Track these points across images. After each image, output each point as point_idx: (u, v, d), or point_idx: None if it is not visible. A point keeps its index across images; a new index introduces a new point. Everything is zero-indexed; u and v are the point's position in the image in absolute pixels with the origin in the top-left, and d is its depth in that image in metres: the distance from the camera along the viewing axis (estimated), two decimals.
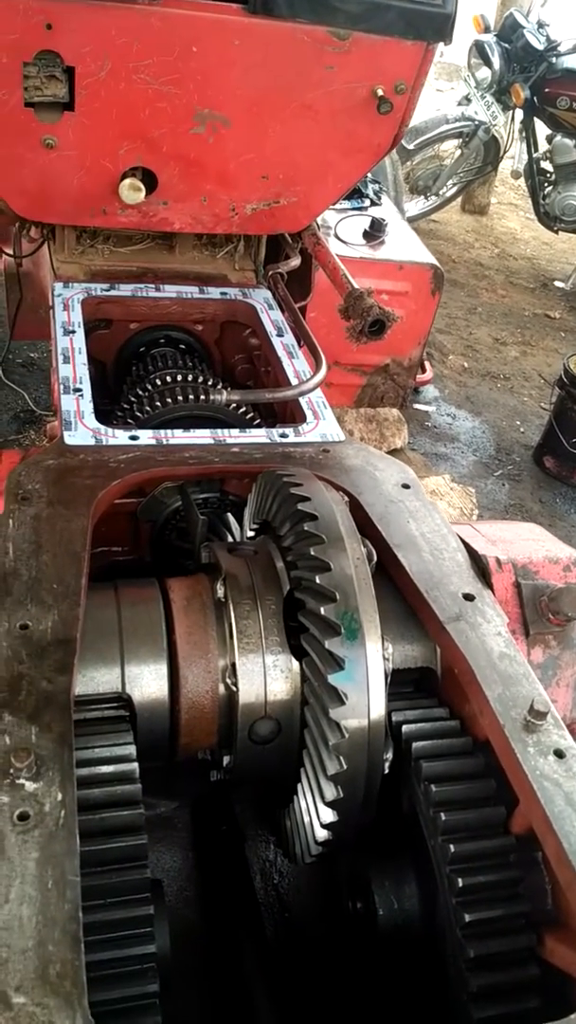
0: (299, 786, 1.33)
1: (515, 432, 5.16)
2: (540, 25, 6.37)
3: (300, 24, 1.67)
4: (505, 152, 6.92)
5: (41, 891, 0.93)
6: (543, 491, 4.66)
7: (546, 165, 6.81)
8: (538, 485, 4.70)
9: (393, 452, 4.17)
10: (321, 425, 1.81)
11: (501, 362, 5.92)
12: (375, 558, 1.36)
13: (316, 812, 1.28)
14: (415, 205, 6.83)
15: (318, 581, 1.26)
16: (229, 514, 1.77)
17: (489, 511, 4.41)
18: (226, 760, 1.37)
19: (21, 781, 1.01)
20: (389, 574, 1.44)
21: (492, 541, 1.51)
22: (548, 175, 6.83)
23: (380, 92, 1.81)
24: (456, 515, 3.94)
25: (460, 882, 1.17)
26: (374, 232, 2.87)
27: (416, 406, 5.04)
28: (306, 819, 1.32)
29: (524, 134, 6.75)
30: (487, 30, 6.50)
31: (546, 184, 6.84)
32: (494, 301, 6.77)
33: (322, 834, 1.29)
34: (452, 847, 1.19)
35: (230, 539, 1.72)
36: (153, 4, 1.61)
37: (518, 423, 5.25)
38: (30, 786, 1.01)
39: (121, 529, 1.79)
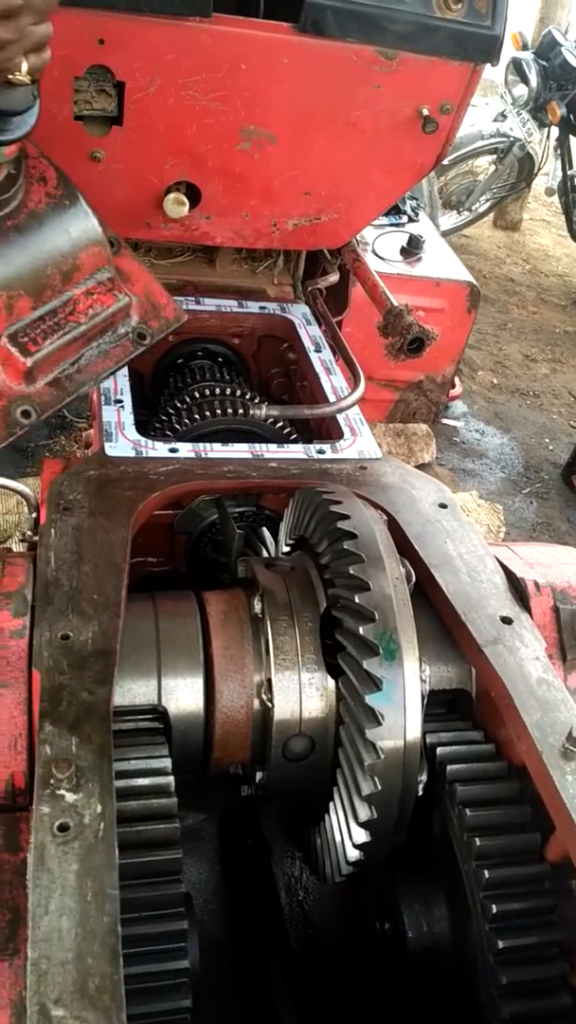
0: (331, 805, 1.33)
1: (544, 450, 5.14)
2: None
3: (349, 43, 1.68)
4: (539, 169, 6.91)
5: (80, 903, 0.93)
6: (571, 510, 4.64)
7: None
8: (566, 504, 4.68)
9: (421, 467, 4.16)
10: (358, 442, 1.81)
11: (531, 379, 5.90)
12: (413, 578, 1.36)
13: (348, 832, 1.28)
14: (447, 220, 6.83)
15: (357, 600, 1.27)
16: (264, 529, 1.77)
17: (516, 529, 4.39)
18: (259, 776, 1.38)
19: (61, 792, 1.02)
20: (426, 594, 1.44)
21: (530, 564, 1.50)
22: None
23: (426, 112, 1.82)
24: (483, 532, 3.93)
25: (494, 908, 1.17)
26: (412, 249, 2.87)
27: (445, 421, 5.03)
28: (337, 838, 1.31)
29: (559, 151, 6.75)
30: (525, 47, 6.50)
31: None
32: (525, 317, 6.75)
33: (353, 854, 1.29)
34: (486, 873, 1.18)
35: (265, 554, 1.72)
36: (204, 21, 1.62)
37: (547, 441, 5.23)
38: (70, 797, 1.02)
39: (158, 540, 1.80)
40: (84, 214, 1.44)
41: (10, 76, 1.15)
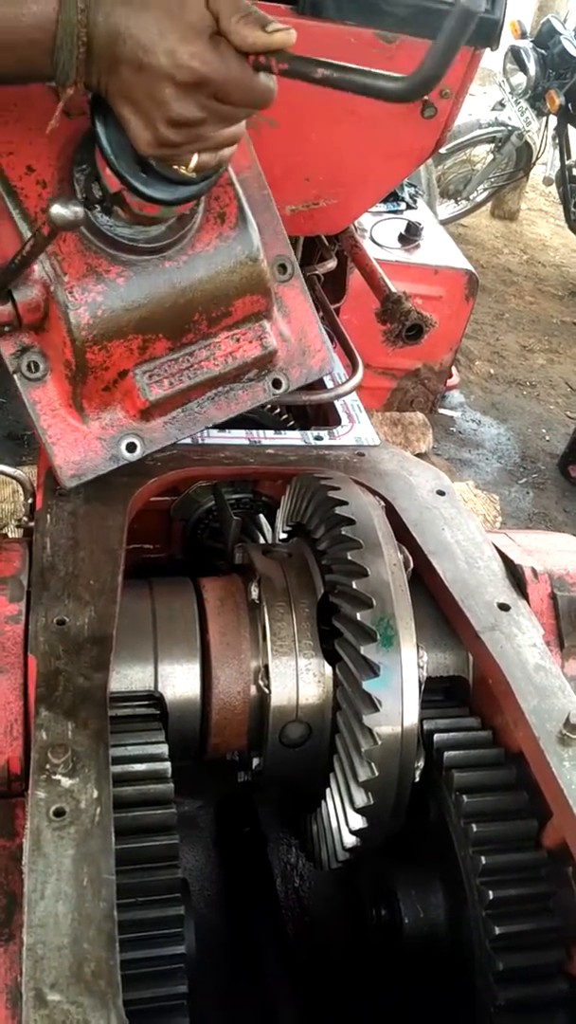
0: (328, 791, 1.32)
1: (540, 440, 5.14)
2: None
3: (348, 26, 1.66)
4: (537, 158, 6.89)
5: (77, 889, 0.93)
6: (568, 500, 4.64)
7: None
8: (563, 494, 4.68)
9: (417, 456, 4.16)
10: (356, 428, 1.80)
11: (528, 369, 5.90)
12: (411, 564, 1.35)
13: (345, 818, 1.28)
14: (445, 209, 6.81)
15: (354, 586, 1.26)
16: (261, 515, 1.77)
17: (512, 519, 4.40)
18: (255, 762, 1.37)
19: (57, 777, 1.01)
20: (423, 581, 1.43)
21: (528, 551, 1.50)
22: None
23: (425, 96, 1.80)
24: (479, 522, 3.93)
25: (490, 894, 1.17)
26: (410, 236, 2.86)
27: (441, 411, 5.02)
28: (334, 824, 1.31)
29: (557, 141, 6.73)
30: (523, 36, 6.48)
31: None
32: (522, 307, 6.74)
33: (350, 840, 1.29)
34: (483, 859, 1.18)
35: (262, 541, 1.72)
36: None
37: (543, 431, 5.23)
38: (66, 782, 1.01)
39: (154, 527, 1.79)
40: (253, 260, 1.36)
41: (175, 167, 1.11)
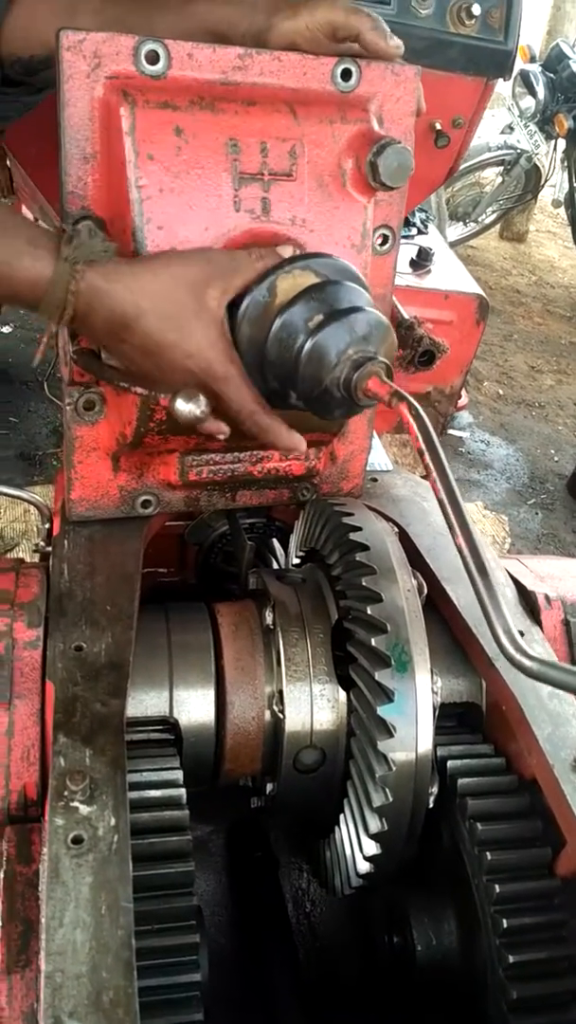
0: (342, 817, 1.33)
1: (549, 461, 5.15)
2: None
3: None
4: (546, 181, 6.95)
5: (95, 916, 0.93)
6: None
7: None
8: (572, 515, 4.69)
9: (426, 477, 4.17)
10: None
11: (536, 390, 5.92)
12: (425, 590, 1.36)
13: (359, 844, 1.28)
14: (453, 231, 6.86)
15: (369, 612, 1.27)
16: (275, 540, 1.78)
17: (521, 540, 4.40)
18: (269, 788, 1.38)
19: (75, 804, 1.02)
20: (437, 607, 1.44)
21: (541, 577, 1.50)
22: None
23: (438, 126, 1.83)
24: (488, 543, 3.93)
25: (504, 923, 1.17)
26: (421, 261, 2.89)
27: (450, 432, 5.05)
28: (348, 851, 1.31)
29: (566, 163, 6.78)
30: (533, 60, 6.55)
31: None
32: (530, 328, 6.78)
33: (364, 867, 1.29)
34: (497, 887, 1.18)
35: (276, 566, 1.73)
36: None
37: (552, 452, 5.24)
38: (84, 809, 1.02)
39: (168, 550, 1.80)
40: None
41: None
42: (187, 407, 1.08)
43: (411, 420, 1.06)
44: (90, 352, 1.18)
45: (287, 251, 1.15)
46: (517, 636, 0.95)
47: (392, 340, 1.14)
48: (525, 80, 6.46)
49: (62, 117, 1.16)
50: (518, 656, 0.94)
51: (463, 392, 5.35)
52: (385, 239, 1.40)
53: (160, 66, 1.16)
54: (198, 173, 1.17)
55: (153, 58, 1.16)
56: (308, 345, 1.09)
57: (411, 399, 1.06)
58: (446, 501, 1.03)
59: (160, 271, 1.09)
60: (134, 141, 1.13)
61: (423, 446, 1.04)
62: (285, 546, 1.74)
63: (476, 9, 1.68)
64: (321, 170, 1.24)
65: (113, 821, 1.01)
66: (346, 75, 1.26)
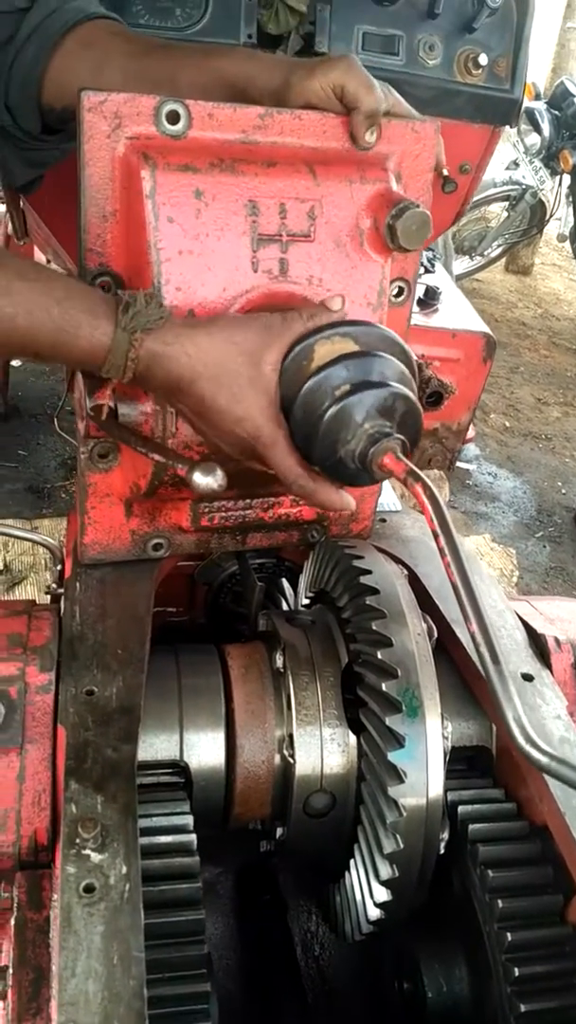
0: (352, 862, 1.32)
1: (556, 493, 5.16)
2: None
3: None
4: (551, 216, 7.01)
5: (107, 966, 0.93)
6: None
7: None
8: None
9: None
10: None
11: (543, 422, 5.94)
12: (435, 634, 1.37)
13: (370, 890, 1.28)
14: (460, 265, 6.92)
15: (379, 656, 1.27)
16: (284, 580, 1.78)
17: (530, 573, 4.40)
18: (279, 832, 1.37)
19: (87, 852, 1.02)
20: (447, 649, 1.44)
21: (550, 620, 1.50)
22: None
23: (445, 172, 1.85)
24: (496, 576, 3.93)
25: (516, 971, 1.16)
26: (428, 300, 2.91)
27: (457, 464, 5.06)
28: (358, 896, 1.31)
29: (571, 198, 6.84)
30: (538, 97, 6.63)
31: None
32: (536, 361, 6.81)
33: (375, 913, 1.28)
34: (509, 935, 1.17)
35: (285, 606, 1.73)
36: None
37: (559, 484, 5.25)
38: (96, 857, 1.02)
39: (177, 590, 1.81)
40: None
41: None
42: (204, 480, 1.08)
43: (426, 502, 1.06)
44: (108, 412, 1.18)
45: (336, 303, 1.16)
46: (529, 728, 0.95)
47: (417, 417, 1.14)
48: (530, 117, 6.54)
49: (82, 176, 1.17)
50: (531, 750, 0.95)
51: (470, 425, 5.38)
52: (401, 291, 1.41)
53: (181, 126, 1.17)
54: (217, 235, 1.19)
55: (174, 118, 1.17)
56: (329, 413, 1.10)
57: (426, 479, 1.06)
58: (460, 587, 1.03)
59: (217, 335, 1.10)
60: (155, 204, 1.15)
61: (438, 529, 1.05)
62: (295, 586, 1.75)
63: (483, 59, 1.72)
64: (339, 230, 1.25)
65: (124, 869, 1.01)
66: None
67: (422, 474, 1.06)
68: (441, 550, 1.04)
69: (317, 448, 1.13)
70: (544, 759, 0.94)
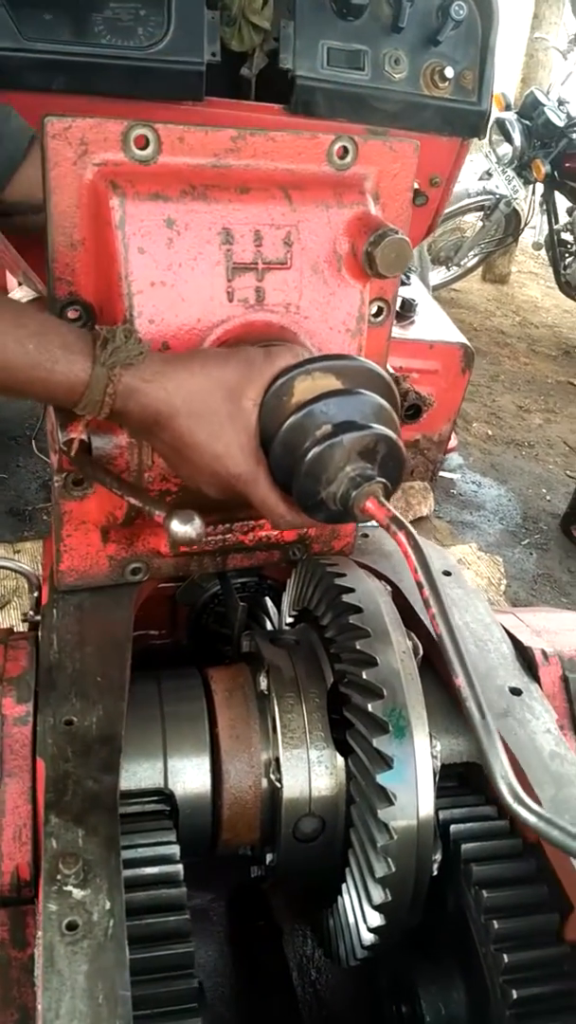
0: (344, 887, 1.30)
1: (541, 500, 5.16)
2: (560, 103, 6.55)
3: (339, 123, 1.72)
4: (526, 224, 7.05)
5: (91, 1007, 0.90)
6: (572, 560, 4.64)
7: (567, 236, 6.94)
8: (566, 554, 4.68)
9: (419, 520, 4.17)
10: None
11: (525, 430, 5.95)
12: (421, 651, 1.35)
13: (363, 915, 1.25)
14: (436, 275, 6.95)
15: (364, 676, 1.25)
16: (267, 598, 1.76)
17: (517, 581, 4.39)
18: (269, 857, 1.35)
19: (69, 888, 0.99)
20: (434, 666, 1.42)
21: (537, 632, 1.49)
22: (569, 246, 6.95)
23: (416, 185, 1.85)
24: (484, 584, 3.93)
25: (515, 993, 1.13)
26: (404, 312, 2.90)
27: (441, 474, 5.05)
28: (351, 921, 1.28)
29: (545, 207, 6.89)
30: (508, 108, 6.68)
31: (567, 255, 6.96)
32: (516, 369, 6.83)
33: (368, 938, 1.26)
34: (506, 957, 1.15)
35: (269, 625, 1.71)
36: (197, 105, 1.66)
37: (544, 491, 5.25)
38: (78, 893, 0.99)
39: (159, 612, 1.79)
40: None
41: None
42: (182, 529, 1.05)
43: (409, 551, 1.03)
44: (80, 446, 1.14)
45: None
46: (517, 788, 0.95)
47: (400, 458, 1.12)
48: (501, 128, 6.59)
49: (49, 204, 1.13)
50: (519, 809, 0.94)
51: (452, 434, 5.38)
52: (380, 311, 1.38)
53: (150, 151, 1.14)
54: (191, 266, 1.16)
55: (143, 143, 1.13)
56: (310, 455, 1.07)
57: (409, 527, 1.04)
58: (445, 638, 1.01)
59: (196, 370, 1.07)
60: (124, 235, 1.11)
61: (423, 580, 1.02)
62: (278, 605, 1.73)
63: (449, 72, 1.72)
64: (316, 256, 1.22)
65: (108, 905, 0.98)
66: (343, 153, 1.24)
67: (405, 521, 1.04)
68: (425, 600, 1.02)
69: (298, 488, 1.10)
70: (532, 818, 0.93)
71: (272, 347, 1.13)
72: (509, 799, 0.93)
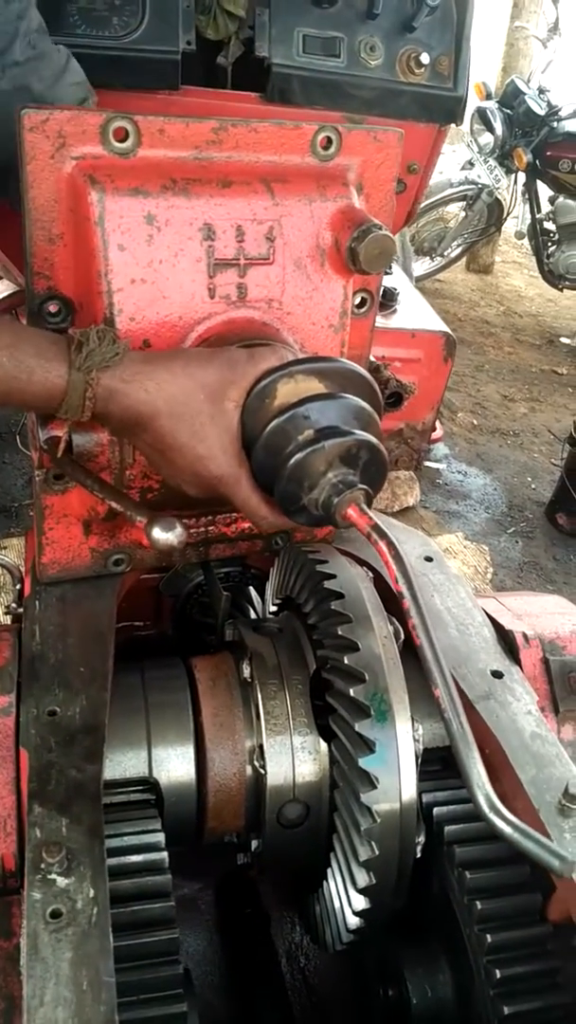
0: (329, 871, 1.31)
1: (527, 489, 5.18)
2: (541, 91, 6.55)
3: (316, 110, 1.72)
4: (508, 213, 7.06)
5: (76, 993, 0.91)
6: (557, 548, 4.66)
7: (549, 225, 6.95)
8: (551, 542, 4.70)
9: (405, 511, 4.18)
10: None
11: (510, 419, 5.97)
12: (402, 636, 1.35)
13: (347, 899, 1.26)
14: (420, 266, 6.95)
15: (346, 661, 1.26)
16: (251, 587, 1.77)
17: (504, 569, 4.41)
18: (254, 844, 1.35)
19: (52, 876, 1.00)
20: (415, 650, 1.43)
21: (518, 615, 1.50)
22: (551, 235, 6.96)
23: None
24: (471, 573, 3.94)
25: (498, 973, 1.15)
26: (386, 301, 2.91)
27: (427, 464, 5.07)
28: (337, 905, 1.29)
29: (527, 196, 6.90)
30: (489, 97, 6.68)
31: (549, 244, 6.97)
32: (501, 358, 6.84)
33: (354, 921, 1.27)
34: (489, 937, 1.16)
35: (253, 614, 1.71)
36: (173, 94, 1.66)
37: (529, 479, 5.27)
38: (62, 882, 0.99)
39: (143, 603, 1.79)
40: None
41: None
42: (164, 536, 1.04)
43: (391, 560, 1.03)
44: (62, 448, 1.13)
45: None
46: (495, 798, 0.96)
47: (382, 463, 1.11)
48: (483, 117, 6.59)
49: (26, 198, 1.11)
50: (494, 818, 0.95)
51: (438, 424, 5.39)
52: (364, 302, 1.37)
53: (129, 143, 1.11)
54: (172, 262, 1.14)
55: (122, 136, 1.10)
56: (292, 461, 1.07)
57: (391, 536, 1.04)
58: (426, 649, 1.01)
59: (177, 371, 1.05)
60: (104, 231, 1.09)
61: (404, 590, 1.02)
62: (262, 593, 1.73)
63: (425, 58, 1.72)
64: (299, 251, 1.21)
65: (92, 892, 0.99)
66: (327, 143, 1.22)
67: (387, 530, 1.04)
68: (406, 611, 1.02)
69: (280, 492, 1.09)
70: (508, 830, 0.94)
71: (255, 348, 1.12)
72: (486, 809, 0.95)
